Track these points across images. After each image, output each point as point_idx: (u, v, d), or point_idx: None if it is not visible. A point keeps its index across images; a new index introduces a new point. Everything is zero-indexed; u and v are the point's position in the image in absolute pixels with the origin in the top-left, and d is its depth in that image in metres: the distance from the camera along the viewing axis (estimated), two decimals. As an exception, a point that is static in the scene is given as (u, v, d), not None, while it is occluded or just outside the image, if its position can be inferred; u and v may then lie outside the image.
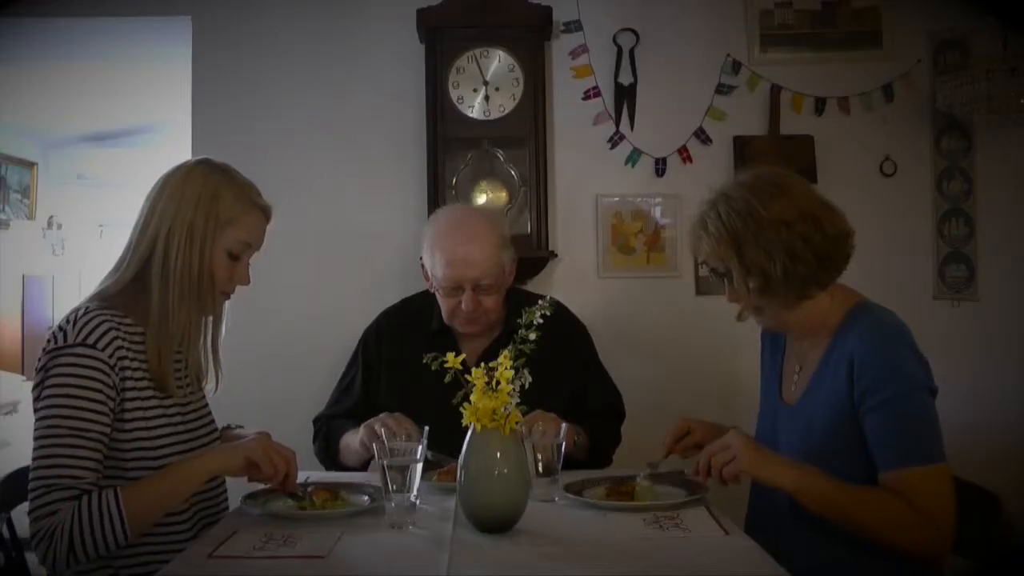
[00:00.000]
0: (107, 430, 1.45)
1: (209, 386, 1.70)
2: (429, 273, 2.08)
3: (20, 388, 4.92)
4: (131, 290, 1.55)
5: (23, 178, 5.99)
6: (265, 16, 2.76)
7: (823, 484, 1.47)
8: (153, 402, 1.53)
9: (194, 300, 1.55)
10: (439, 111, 2.63)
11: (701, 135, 2.75)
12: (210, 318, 1.65)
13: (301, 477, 1.73)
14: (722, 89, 2.75)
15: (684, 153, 2.75)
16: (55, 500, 1.38)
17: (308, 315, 2.72)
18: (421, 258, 2.11)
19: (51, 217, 6.26)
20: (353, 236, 2.75)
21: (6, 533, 1.61)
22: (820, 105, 2.74)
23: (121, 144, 5.90)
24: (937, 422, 1.49)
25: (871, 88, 2.74)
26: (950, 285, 2.74)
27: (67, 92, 4.59)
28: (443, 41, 2.64)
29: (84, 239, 6.40)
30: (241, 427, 1.83)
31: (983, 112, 2.47)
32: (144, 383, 1.52)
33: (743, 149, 2.72)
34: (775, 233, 1.53)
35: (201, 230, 1.54)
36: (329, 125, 2.76)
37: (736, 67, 2.75)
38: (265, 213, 1.65)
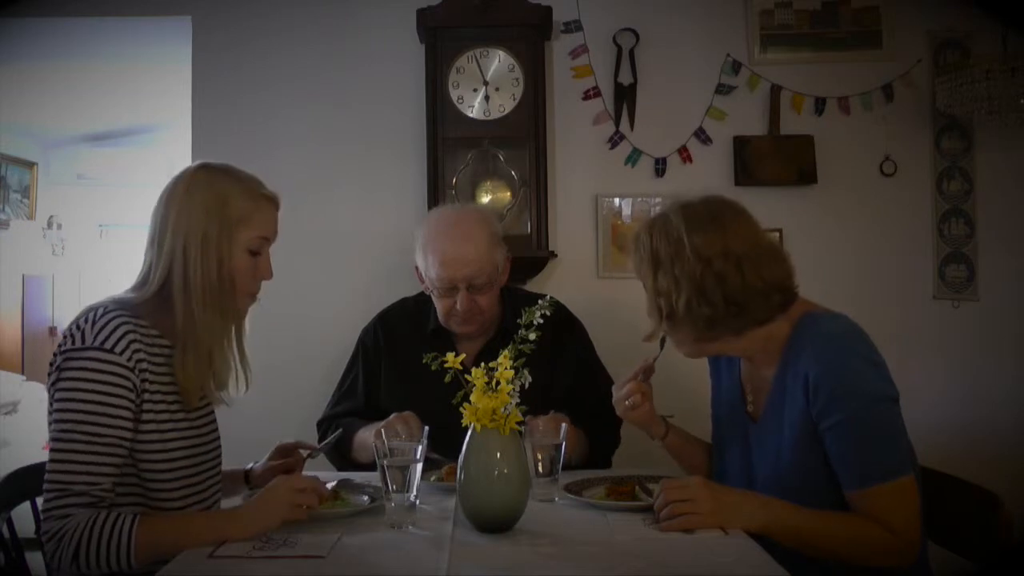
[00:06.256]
0: (125, 434, 1.44)
1: (241, 387, 1.66)
2: (423, 275, 2.08)
3: (20, 388, 4.90)
4: (155, 304, 1.53)
5: (23, 178, 5.99)
6: (265, 16, 2.76)
7: (791, 519, 1.44)
8: (162, 406, 1.51)
9: (217, 308, 1.54)
10: (439, 111, 2.62)
11: (701, 135, 2.75)
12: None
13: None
14: (722, 89, 2.75)
15: (684, 153, 2.75)
16: (68, 504, 1.37)
17: (308, 315, 2.72)
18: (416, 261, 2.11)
19: (51, 217, 6.26)
20: (353, 236, 2.75)
21: (6, 533, 1.61)
22: (820, 105, 2.74)
23: (121, 144, 5.90)
24: (898, 431, 1.49)
25: (871, 88, 2.74)
26: (950, 285, 2.73)
27: (67, 92, 4.59)
28: (443, 41, 2.64)
29: (84, 239, 6.41)
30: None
31: (983, 112, 2.46)
32: (155, 387, 1.50)
33: (743, 149, 2.72)
34: (690, 266, 1.51)
35: (216, 237, 1.53)
36: (329, 125, 2.75)
37: (736, 67, 2.75)
38: (273, 203, 1.63)
